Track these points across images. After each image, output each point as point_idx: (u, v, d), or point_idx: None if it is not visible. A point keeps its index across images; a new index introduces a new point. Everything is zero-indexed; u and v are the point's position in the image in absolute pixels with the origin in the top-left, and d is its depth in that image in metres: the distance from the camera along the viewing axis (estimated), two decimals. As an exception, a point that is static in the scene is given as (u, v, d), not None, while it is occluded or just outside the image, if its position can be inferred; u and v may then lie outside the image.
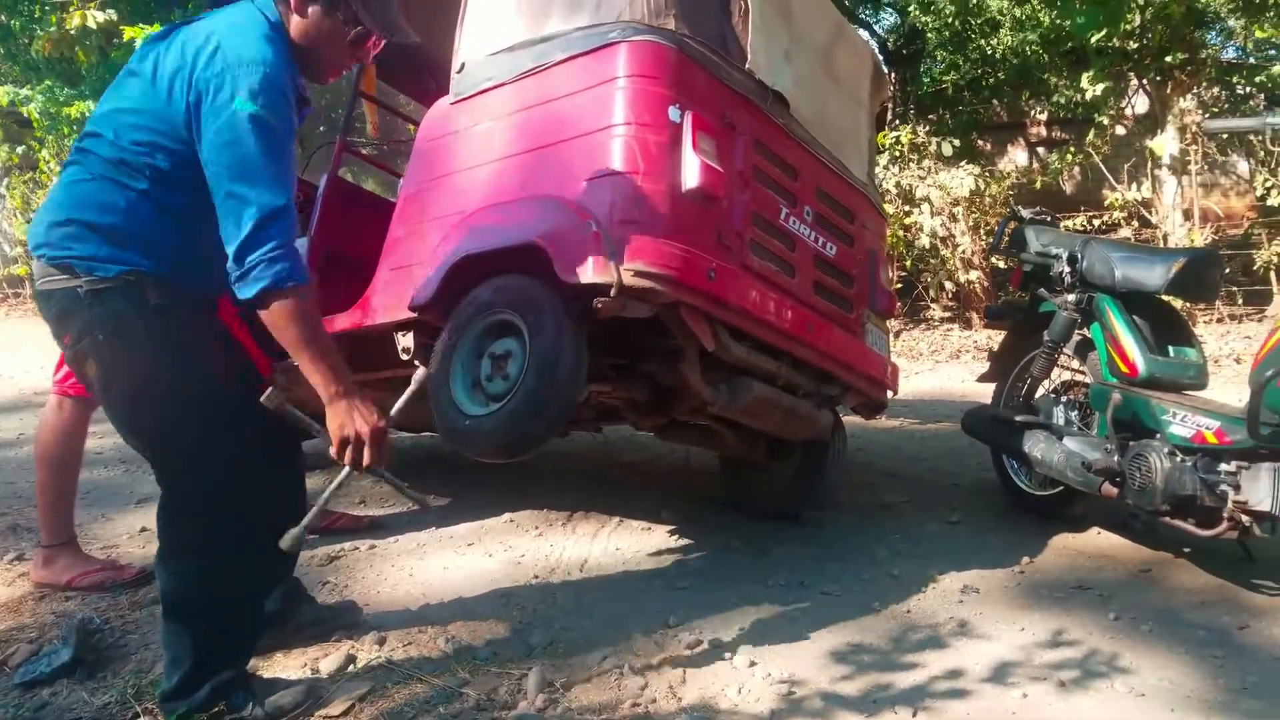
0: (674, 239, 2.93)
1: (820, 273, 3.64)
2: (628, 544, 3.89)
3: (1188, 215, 10.14)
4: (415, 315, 3.37)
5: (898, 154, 10.77)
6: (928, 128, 11.68)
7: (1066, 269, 4.06)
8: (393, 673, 2.75)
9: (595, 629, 3.09)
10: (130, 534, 4.04)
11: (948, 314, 10.99)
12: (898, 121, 12.14)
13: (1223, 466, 3.36)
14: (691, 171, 2.98)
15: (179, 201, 2.42)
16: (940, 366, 8.91)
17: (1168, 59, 10.12)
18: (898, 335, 10.19)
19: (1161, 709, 2.66)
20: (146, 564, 3.44)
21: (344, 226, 4.20)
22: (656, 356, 3.42)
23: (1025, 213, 4.56)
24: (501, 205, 3.23)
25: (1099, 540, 4.05)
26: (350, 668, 2.77)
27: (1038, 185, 11.33)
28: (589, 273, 2.84)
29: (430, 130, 3.62)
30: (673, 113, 3.00)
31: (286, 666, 2.77)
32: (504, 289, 3.12)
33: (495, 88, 3.37)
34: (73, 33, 8.51)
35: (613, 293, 2.84)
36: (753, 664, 2.85)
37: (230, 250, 2.29)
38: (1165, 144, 10.16)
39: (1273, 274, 9.63)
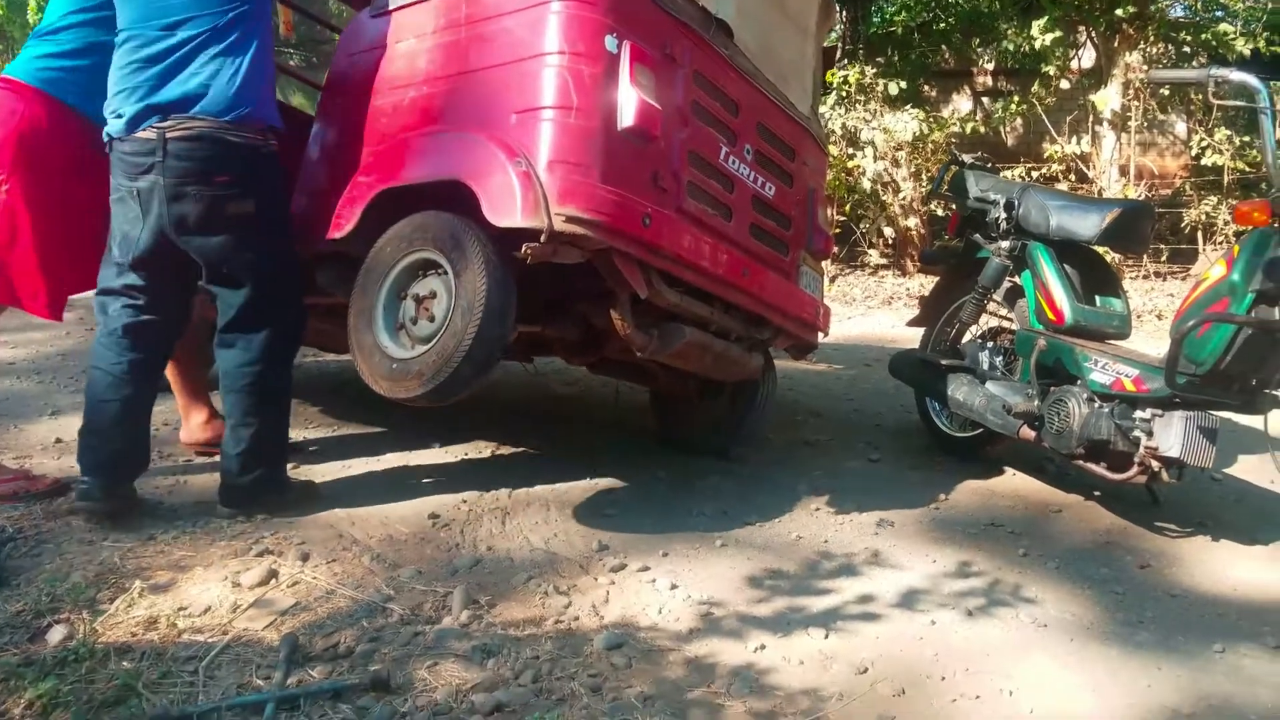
0: (608, 182, 2.80)
1: (757, 215, 3.54)
2: (556, 473, 3.90)
3: (1124, 171, 10.31)
4: (333, 247, 3.24)
5: (845, 94, 10.78)
6: (875, 69, 11.69)
7: (1003, 215, 4.11)
8: (316, 587, 2.76)
9: (521, 552, 3.13)
10: (44, 445, 3.93)
11: (884, 260, 11.11)
12: (846, 61, 12.11)
13: (1138, 414, 3.47)
14: (628, 108, 2.82)
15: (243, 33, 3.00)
16: (873, 312, 9.01)
17: (1118, 11, 10.18)
18: (833, 280, 10.28)
19: (1062, 638, 2.78)
20: (61, 475, 3.42)
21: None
22: (587, 298, 3.34)
23: (966, 158, 4.61)
24: (425, 134, 3.07)
25: (1013, 481, 4.18)
26: (273, 581, 2.77)
27: (980, 132, 11.42)
28: (518, 216, 2.70)
29: (349, 45, 3.43)
30: (609, 42, 2.83)
31: (206, 580, 2.76)
32: (427, 226, 2.96)
33: (419, 2, 3.19)
34: None
35: (543, 239, 2.71)
36: (674, 586, 2.92)
37: None
38: (1108, 99, 10.26)
39: (1200, 233, 9.85)
